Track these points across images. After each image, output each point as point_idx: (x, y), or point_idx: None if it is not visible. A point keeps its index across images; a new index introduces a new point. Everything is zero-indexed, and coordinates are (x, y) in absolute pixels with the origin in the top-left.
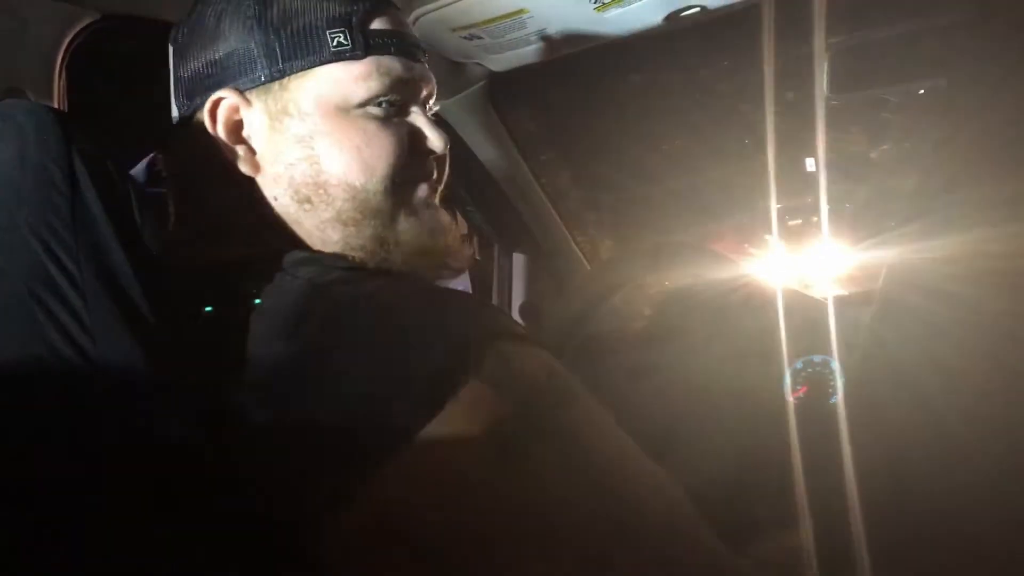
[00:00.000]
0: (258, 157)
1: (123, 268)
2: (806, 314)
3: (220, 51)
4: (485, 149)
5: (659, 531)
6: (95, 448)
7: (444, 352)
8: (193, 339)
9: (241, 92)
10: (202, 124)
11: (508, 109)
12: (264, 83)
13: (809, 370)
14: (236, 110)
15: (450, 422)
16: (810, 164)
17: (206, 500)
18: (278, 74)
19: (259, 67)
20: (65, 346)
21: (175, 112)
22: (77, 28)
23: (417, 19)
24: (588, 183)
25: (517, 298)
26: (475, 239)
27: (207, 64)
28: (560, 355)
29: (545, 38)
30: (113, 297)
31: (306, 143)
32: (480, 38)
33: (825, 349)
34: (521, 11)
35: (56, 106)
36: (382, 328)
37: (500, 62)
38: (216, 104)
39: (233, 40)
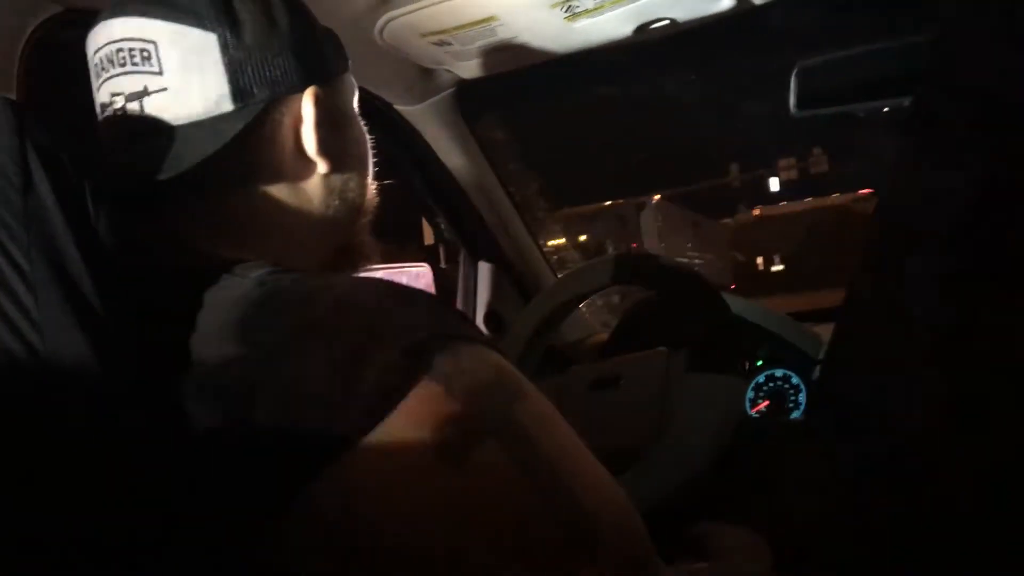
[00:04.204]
0: (329, 159)
1: (75, 263)
2: (765, 326)
3: (290, 38)
4: (452, 156)
5: (608, 532)
6: (42, 444)
7: (396, 350)
8: (144, 337)
9: (320, 88)
10: (277, 120)
11: (477, 117)
12: (328, 81)
13: (771, 384)
14: (319, 106)
15: (401, 421)
16: (774, 183)
17: (154, 500)
18: (334, 73)
19: (328, 63)
20: (13, 342)
21: (221, 104)
22: (39, 20)
23: (386, 23)
24: (555, 193)
25: (482, 307)
26: (441, 247)
27: (285, 55)
28: (524, 365)
29: (515, 46)
30: (64, 293)
31: (355, 145)
32: (449, 44)
33: (786, 361)
34: (491, 18)
35: (13, 98)
36: (332, 325)
37: (469, 69)
38: (311, 99)
39: (301, 31)
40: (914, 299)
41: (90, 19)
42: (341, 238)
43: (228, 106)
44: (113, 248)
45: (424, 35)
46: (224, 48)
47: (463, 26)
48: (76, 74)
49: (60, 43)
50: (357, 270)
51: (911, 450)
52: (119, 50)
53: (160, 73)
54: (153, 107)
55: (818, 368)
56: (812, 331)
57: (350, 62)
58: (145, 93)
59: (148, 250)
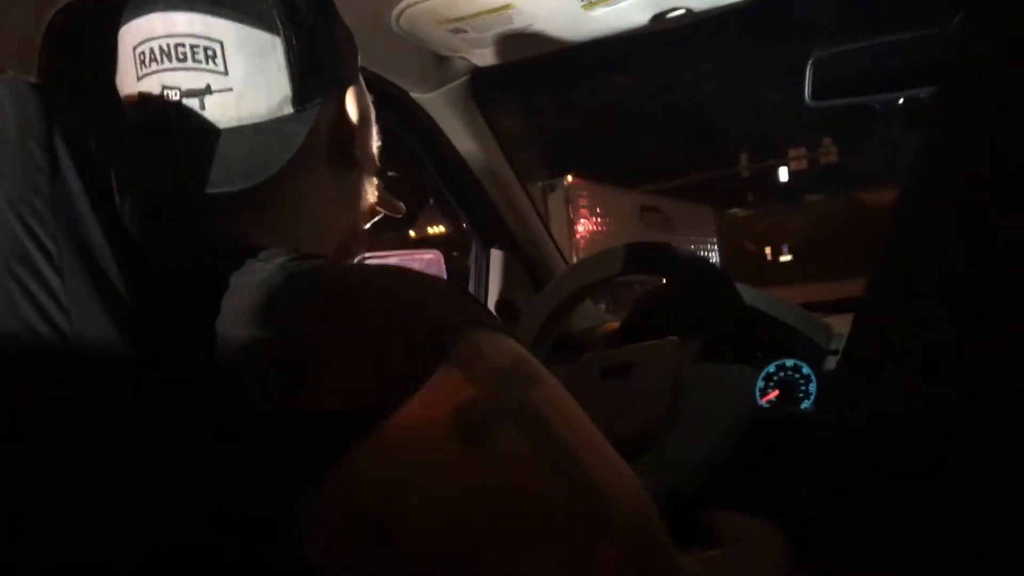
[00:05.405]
0: (359, 156)
1: (101, 247)
2: (777, 315)
3: (335, 40)
4: (466, 143)
5: (624, 514)
6: (69, 426)
7: (417, 336)
8: (168, 320)
9: (355, 87)
10: (321, 120)
11: (491, 104)
12: (359, 79)
13: (781, 374)
14: (356, 105)
15: (421, 405)
16: (783, 174)
17: (177, 482)
18: (359, 70)
19: (356, 61)
20: (41, 324)
21: (283, 107)
22: (60, 3)
23: (403, 10)
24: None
25: (494, 294)
26: (449, 234)
27: (335, 56)
28: (535, 352)
29: (531, 34)
30: (90, 276)
31: (373, 140)
32: (465, 32)
33: (796, 351)
34: (508, 6)
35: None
36: (355, 311)
37: (485, 57)
38: (353, 99)
39: (342, 31)
40: (933, 298)
41: (112, 4)
42: (353, 227)
43: (289, 109)
44: (137, 232)
45: (441, 22)
46: (288, 51)
47: (479, 13)
48: (97, 57)
49: (81, 26)
50: (357, 256)
51: (928, 443)
52: (179, 45)
53: (225, 73)
54: (215, 106)
55: (830, 358)
56: (823, 321)
57: (367, 51)
58: (207, 91)
59: (173, 234)
